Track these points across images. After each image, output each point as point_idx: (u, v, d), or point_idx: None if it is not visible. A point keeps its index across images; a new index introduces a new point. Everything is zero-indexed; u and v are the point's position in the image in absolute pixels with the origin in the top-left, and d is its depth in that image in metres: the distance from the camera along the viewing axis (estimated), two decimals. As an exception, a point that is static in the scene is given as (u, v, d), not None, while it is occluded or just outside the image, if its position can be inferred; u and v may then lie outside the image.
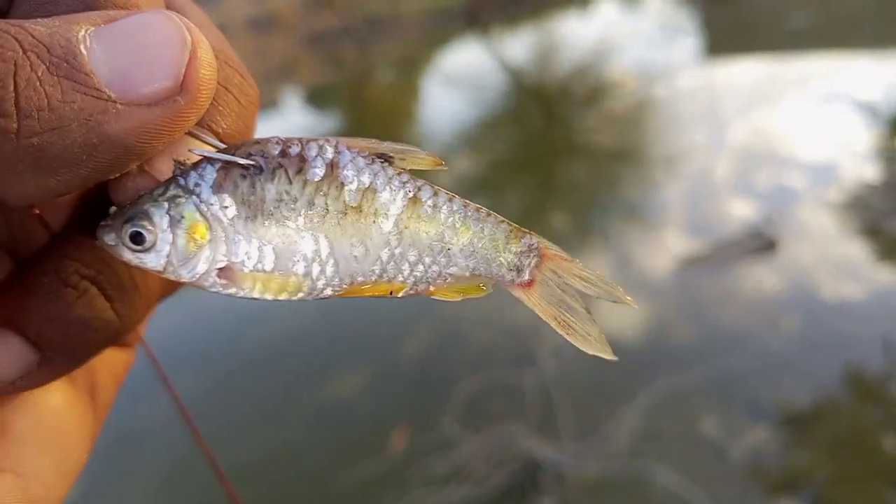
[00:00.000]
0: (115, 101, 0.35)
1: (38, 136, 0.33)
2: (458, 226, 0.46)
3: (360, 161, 0.45)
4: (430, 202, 0.46)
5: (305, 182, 0.43)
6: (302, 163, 0.44)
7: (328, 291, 0.45)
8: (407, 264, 0.46)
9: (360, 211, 0.44)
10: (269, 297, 0.45)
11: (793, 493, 2.35)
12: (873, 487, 2.39)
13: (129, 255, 0.43)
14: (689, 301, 3.45)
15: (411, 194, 0.45)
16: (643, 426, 2.58)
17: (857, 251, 3.69)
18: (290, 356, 4.10)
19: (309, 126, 10.11)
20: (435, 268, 0.46)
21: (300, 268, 0.44)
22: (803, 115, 6.04)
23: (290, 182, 0.43)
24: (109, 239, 0.43)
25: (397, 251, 0.45)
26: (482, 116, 9.45)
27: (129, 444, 3.62)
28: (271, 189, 0.43)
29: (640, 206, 4.87)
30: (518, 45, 15.17)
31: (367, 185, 0.44)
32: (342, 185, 0.44)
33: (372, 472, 2.64)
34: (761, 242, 3.68)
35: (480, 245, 0.47)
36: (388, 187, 0.45)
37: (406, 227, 0.45)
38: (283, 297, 0.45)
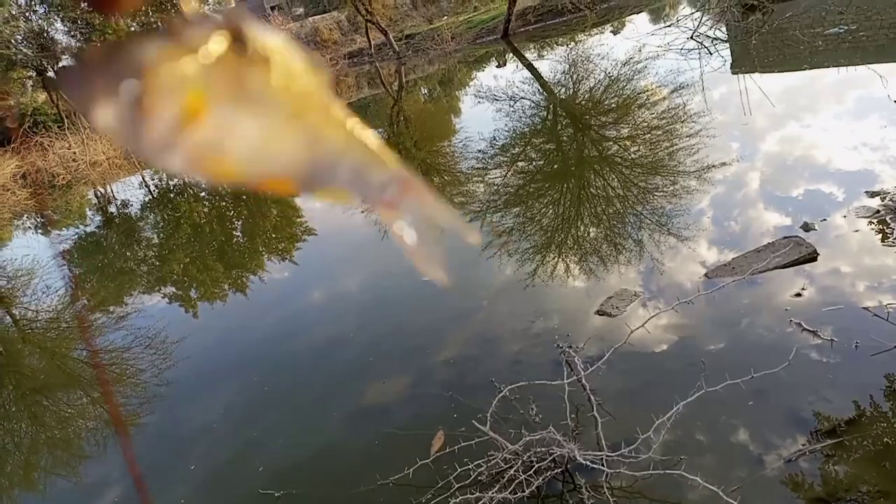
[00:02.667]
0: None
1: None
2: None
3: None
4: None
5: None
6: None
7: None
8: None
9: None
10: None
11: (833, 505, 2.33)
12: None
13: None
14: (724, 310, 3.45)
15: None
16: (678, 435, 2.60)
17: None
18: (328, 362, 4.21)
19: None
20: None
21: None
22: (839, 124, 5.97)
23: None
24: None
25: None
26: (517, 128, 9.51)
27: (161, 456, 3.75)
28: None
29: (674, 215, 4.88)
30: (552, 57, 15.18)
31: None
32: None
33: (409, 476, 2.71)
34: (800, 252, 3.66)
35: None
36: None
37: None
38: None
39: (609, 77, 10.65)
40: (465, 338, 3.95)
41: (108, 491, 3.53)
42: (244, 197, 11.37)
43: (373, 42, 28.50)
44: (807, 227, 3.99)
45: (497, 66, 17.90)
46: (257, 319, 5.53)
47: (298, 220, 8.63)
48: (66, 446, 4.38)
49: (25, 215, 14.84)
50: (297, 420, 3.63)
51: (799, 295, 3.38)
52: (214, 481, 3.27)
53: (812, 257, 3.64)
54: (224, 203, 11.37)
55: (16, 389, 5.68)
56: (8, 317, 7.91)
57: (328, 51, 30.07)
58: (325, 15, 34.57)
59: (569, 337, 3.53)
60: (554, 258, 4.82)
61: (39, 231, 13.17)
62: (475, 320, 4.14)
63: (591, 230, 5.27)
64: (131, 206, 12.95)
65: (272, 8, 37.33)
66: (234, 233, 9.30)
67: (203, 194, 12.26)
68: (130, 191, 14.57)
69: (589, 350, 3.35)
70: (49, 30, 27.26)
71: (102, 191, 15.78)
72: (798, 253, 3.66)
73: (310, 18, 34.73)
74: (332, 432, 3.39)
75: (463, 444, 2.75)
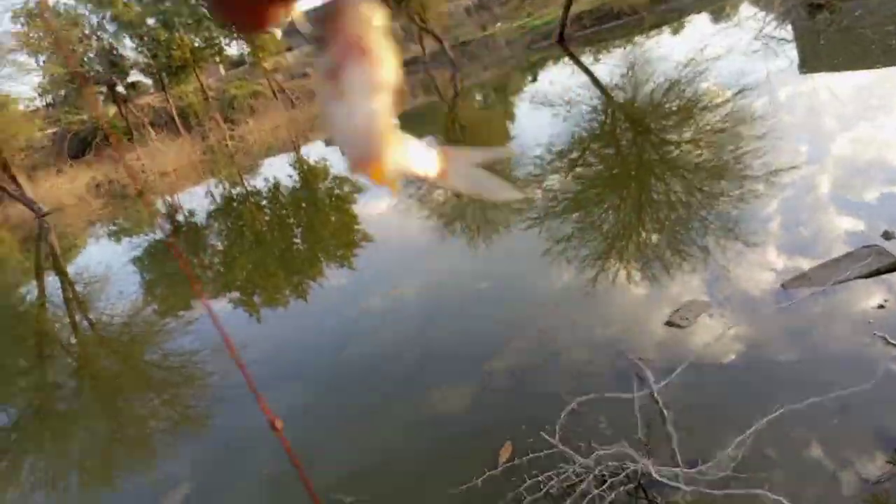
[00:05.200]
0: None
1: None
2: None
3: None
4: None
5: None
6: None
7: None
8: None
9: None
10: None
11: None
12: None
13: None
14: (799, 322, 3.33)
15: None
16: (754, 450, 2.51)
17: None
18: (389, 368, 4.25)
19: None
20: None
21: None
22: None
23: None
24: None
25: None
26: (574, 133, 9.42)
27: (228, 455, 3.85)
28: None
29: (741, 221, 4.72)
30: (611, 61, 14.97)
31: None
32: None
33: (478, 485, 2.70)
34: (882, 262, 3.49)
35: None
36: None
37: None
38: None
39: (669, 80, 10.43)
40: (527, 346, 3.92)
41: (180, 487, 3.65)
42: (303, 204, 11.63)
43: (427, 50, 28.74)
44: (888, 236, 3.80)
45: (531, 81, 17.80)
46: (317, 325, 5.64)
47: (356, 226, 8.76)
48: (141, 445, 4.56)
49: (99, 224, 15.57)
50: (360, 426, 3.67)
51: (882, 307, 3.22)
52: (280, 485, 3.34)
53: (895, 267, 3.47)
54: (285, 211, 11.66)
55: (93, 391, 5.96)
56: (85, 321, 8.31)
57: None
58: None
59: (637, 349, 3.46)
60: (616, 265, 4.73)
61: (112, 239, 13.79)
62: (537, 328, 4.10)
63: (653, 236, 5.16)
64: (197, 215, 13.41)
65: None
66: (295, 240, 9.51)
67: (264, 203, 12.60)
68: (197, 200, 15.09)
69: (659, 362, 3.28)
70: (118, 47, 28.62)
71: (170, 200, 16.42)
72: (880, 262, 3.49)
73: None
74: (395, 440, 3.41)
75: (531, 455, 2.73)
